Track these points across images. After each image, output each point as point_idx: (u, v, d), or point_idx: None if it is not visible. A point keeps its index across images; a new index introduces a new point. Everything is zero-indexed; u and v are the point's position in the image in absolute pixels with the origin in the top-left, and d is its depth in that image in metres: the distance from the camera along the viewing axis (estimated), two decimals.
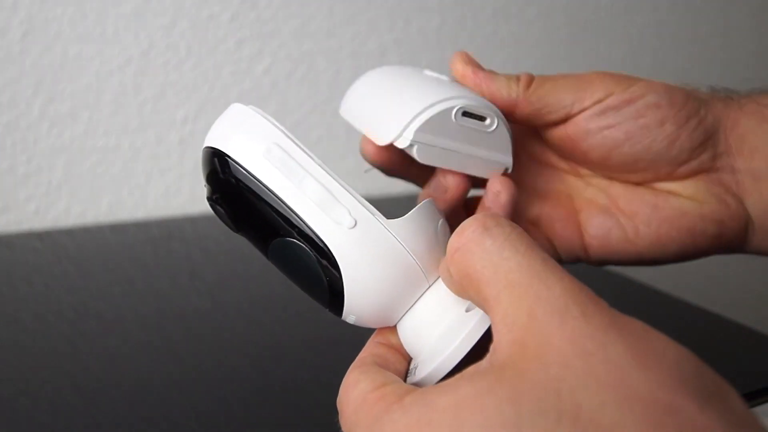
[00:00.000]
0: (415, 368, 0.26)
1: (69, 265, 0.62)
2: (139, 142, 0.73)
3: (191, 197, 0.76)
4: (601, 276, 0.61)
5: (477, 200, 0.36)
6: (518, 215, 0.36)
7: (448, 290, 0.26)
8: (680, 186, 0.36)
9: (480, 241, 0.23)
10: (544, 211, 0.38)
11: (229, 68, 0.75)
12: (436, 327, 0.26)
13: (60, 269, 0.60)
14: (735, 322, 0.51)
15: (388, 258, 0.26)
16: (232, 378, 0.42)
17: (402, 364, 0.27)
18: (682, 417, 0.17)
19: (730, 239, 0.35)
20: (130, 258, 0.64)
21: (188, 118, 0.74)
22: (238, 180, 0.26)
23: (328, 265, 0.25)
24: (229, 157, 0.26)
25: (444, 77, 0.35)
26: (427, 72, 0.35)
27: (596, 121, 0.34)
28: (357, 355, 0.28)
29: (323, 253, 0.25)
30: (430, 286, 0.27)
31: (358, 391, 0.23)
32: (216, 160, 0.26)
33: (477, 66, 0.35)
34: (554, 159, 0.39)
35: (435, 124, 0.31)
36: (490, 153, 0.33)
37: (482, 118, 0.32)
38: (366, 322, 0.27)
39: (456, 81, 0.35)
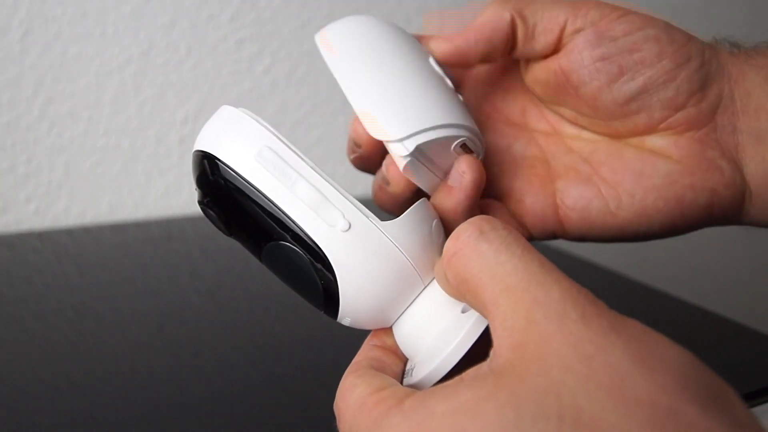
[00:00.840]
0: (412, 369, 0.26)
1: (69, 265, 0.62)
2: (139, 142, 0.73)
3: (191, 197, 0.76)
4: (598, 275, 0.61)
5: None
6: (486, 190, 0.32)
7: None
8: (671, 143, 0.32)
9: (476, 246, 0.23)
10: (516, 184, 0.35)
11: (229, 68, 0.75)
12: (433, 328, 0.26)
13: (60, 269, 0.60)
14: (735, 322, 0.51)
15: (383, 260, 0.26)
16: (232, 378, 0.42)
17: (398, 366, 0.27)
18: (683, 420, 0.17)
19: (723, 210, 0.33)
20: (130, 258, 0.64)
21: (188, 118, 0.74)
22: (230, 184, 0.25)
23: (323, 269, 0.25)
24: (220, 161, 0.26)
25: (447, 78, 0.33)
26: (431, 61, 0.33)
27: (590, 49, 0.31)
28: (355, 354, 0.28)
29: (317, 256, 0.25)
30: (425, 287, 0.27)
31: (356, 395, 0.23)
32: (207, 163, 0.26)
33: (458, 38, 0.33)
34: (534, 120, 0.36)
35: (435, 145, 0.29)
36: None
37: (472, 152, 0.31)
38: (361, 324, 0.27)
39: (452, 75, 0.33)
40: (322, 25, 0.34)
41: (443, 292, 0.26)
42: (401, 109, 0.28)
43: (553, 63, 0.33)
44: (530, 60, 0.34)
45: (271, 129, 0.26)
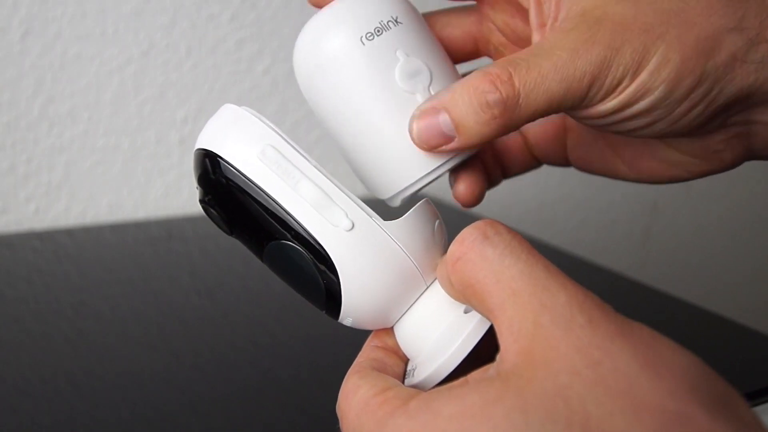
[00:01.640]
0: (414, 370, 0.26)
1: (69, 265, 0.62)
2: (139, 142, 0.73)
3: (191, 197, 0.76)
4: (601, 277, 0.61)
5: None
6: None
7: None
8: (686, 139, 0.30)
9: (480, 250, 0.23)
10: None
11: (229, 68, 0.75)
12: (435, 328, 0.26)
13: (60, 269, 0.60)
14: (735, 322, 0.51)
15: (385, 260, 0.26)
16: (232, 377, 0.42)
17: (400, 367, 0.27)
18: (691, 425, 0.17)
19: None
20: (130, 258, 0.64)
21: (188, 118, 0.74)
22: (232, 183, 0.25)
23: (325, 268, 0.25)
24: (222, 159, 0.25)
25: (419, 75, 0.29)
26: (398, 66, 0.29)
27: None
28: (357, 353, 0.27)
29: (320, 255, 0.25)
30: (427, 287, 0.27)
31: (359, 396, 0.23)
32: (209, 162, 0.26)
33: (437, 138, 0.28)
34: None
35: (420, 189, 0.30)
36: None
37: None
38: (363, 324, 0.27)
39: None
40: None
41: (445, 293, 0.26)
42: (375, 175, 0.30)
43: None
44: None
45: (275, 127, 0.26)
